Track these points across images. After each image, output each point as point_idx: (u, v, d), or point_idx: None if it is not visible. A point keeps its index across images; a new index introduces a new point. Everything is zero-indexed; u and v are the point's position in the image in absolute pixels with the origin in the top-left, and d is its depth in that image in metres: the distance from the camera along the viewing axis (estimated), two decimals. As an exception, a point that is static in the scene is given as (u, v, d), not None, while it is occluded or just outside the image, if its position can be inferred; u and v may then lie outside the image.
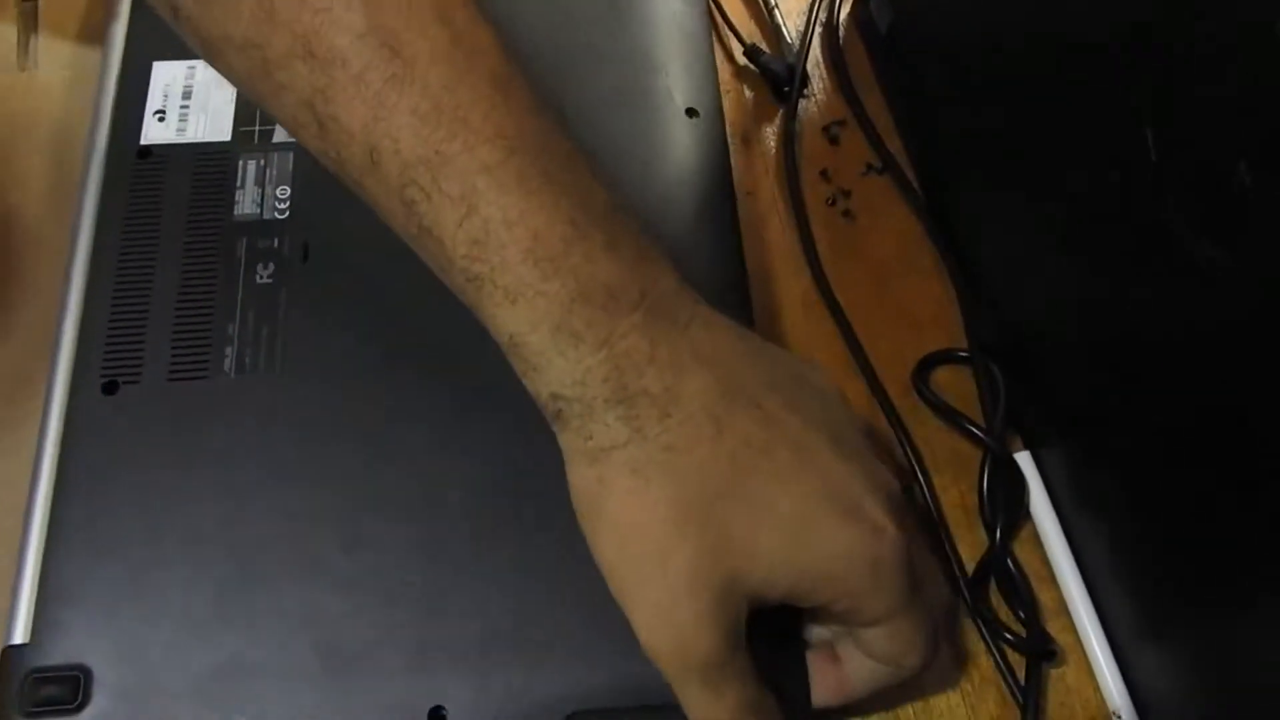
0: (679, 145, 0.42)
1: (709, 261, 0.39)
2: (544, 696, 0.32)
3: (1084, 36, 0.33)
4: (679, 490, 0.28)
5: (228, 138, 0.41)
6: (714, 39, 0.46)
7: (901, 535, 0.29)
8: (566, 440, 0.29)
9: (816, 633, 0.33)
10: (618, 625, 0.29)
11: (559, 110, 0.30)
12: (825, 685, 0.32)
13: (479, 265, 0.28)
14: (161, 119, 0.41)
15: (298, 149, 0.40)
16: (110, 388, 0.35)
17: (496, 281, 0.28)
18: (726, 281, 0.39)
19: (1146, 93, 0.29)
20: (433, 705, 0.31)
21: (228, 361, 0.36)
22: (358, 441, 0.35)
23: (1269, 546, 0.28)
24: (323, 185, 0.40)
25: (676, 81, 0.43)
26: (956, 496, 0.40)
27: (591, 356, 0.28)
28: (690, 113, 0.43)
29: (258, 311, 0.37)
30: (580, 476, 0.29)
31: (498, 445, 0.35)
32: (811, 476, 0.29)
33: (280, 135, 0.41)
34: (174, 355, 0.36)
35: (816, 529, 0.29)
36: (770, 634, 0.31)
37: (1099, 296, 0.34)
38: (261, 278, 0.38)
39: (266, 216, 0.39)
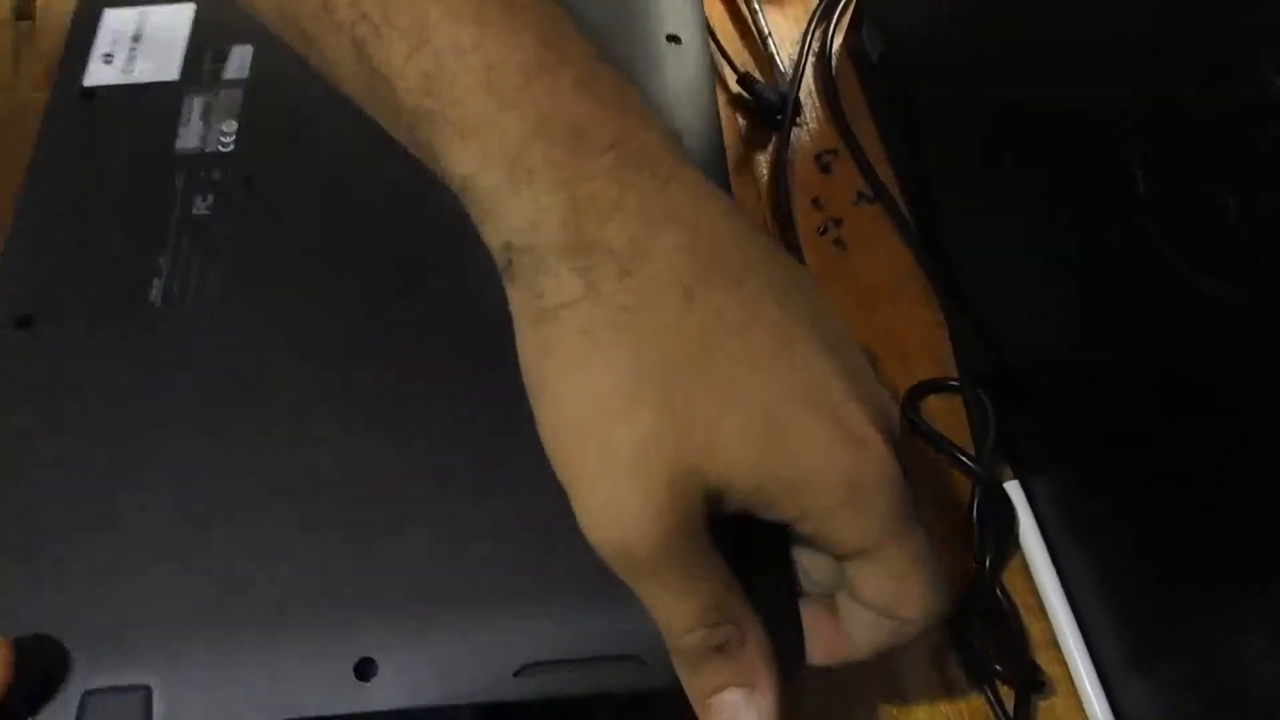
0: (662, 72, 0.40)
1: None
2: (490, 647, 0.29)
3: (1074, 69, 0.33)
4: (632, 357, 0.24)
5: (175, 77, 0.39)
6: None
7: (889, 453, 0.25)
8: (516, 298, 0.26)
9: (813, 581, 0.29)
10: (573, 570, 0.26)
11: None
12: (821, 641, 0.29)
13: (430, 101, 0.25)
14: (109, 61, 0.40)
15: (248, 85, 0.39)
16: (24, 321, 0.34)
17: (448, 116, 0.25)
18: None
19: (1135, 124, 0.29)
20: (361, 657, 0.28)
21: (154, 292, 0.34)
22: (294, 376, 0.33)
23: (1259, 578, 0.28)
24: (272, 120, 0.38)
25: (656, 8, 0.42)
26: (946, 526, 0.40)
27: (548, 196, 0.25)
28: (672, 39, 0.41)
29: (192, 243, 0.35)
30: (527, 342, 0.26)
31: (444, 384, 0.32)
32: (790, 367, 0.25)
33: (231, 72, 0.39)
34: (97, 287, 0.34)
35: (789, 426, 0.25)
36: (759, 579, 0.27)
37: (1090, 326, 0.34)
38: (199, 209, 0.36)
39: (209, 150, 0.37)
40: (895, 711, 0.36)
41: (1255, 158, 0.25)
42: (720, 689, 0.27)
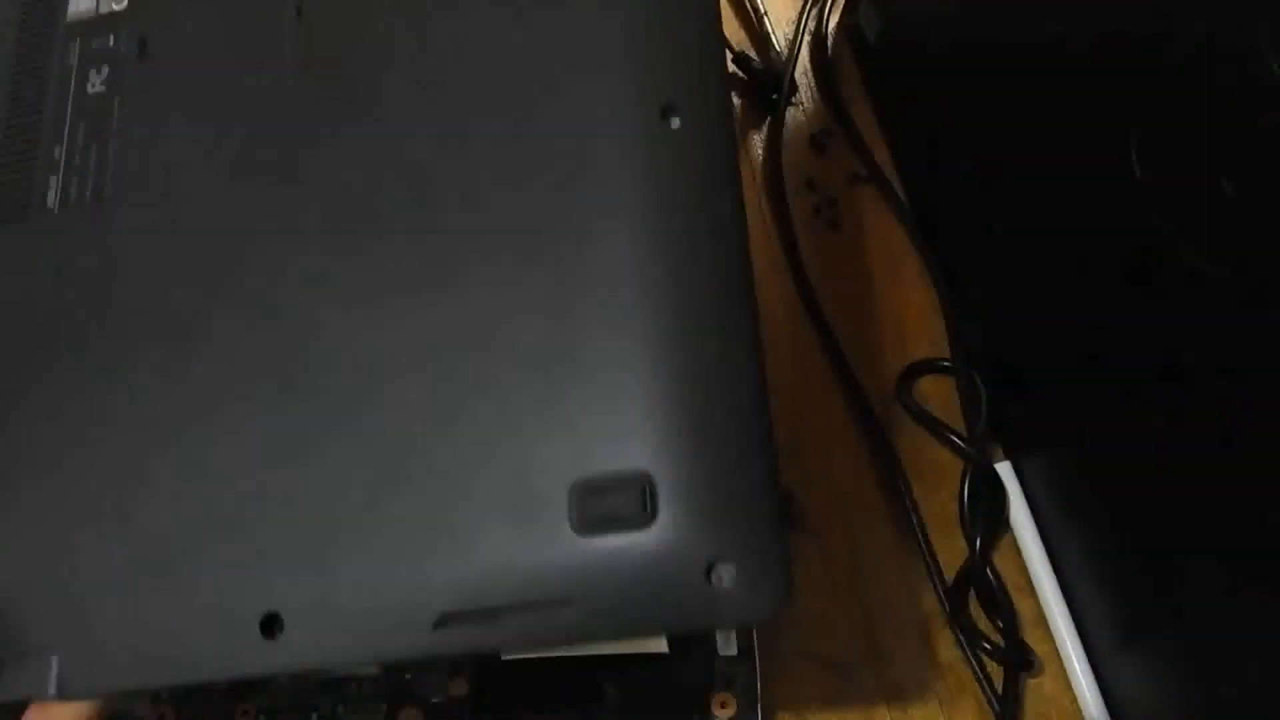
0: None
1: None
2: (406, 595, 0.26)
3: (1071, 50, 0.33)
4: None
5: None
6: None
7: None
8: None
9: None
10: (496, 508, 0.25)
11: None
12: None
13: None
14: None
15: None
16: None
17: None
18: None
19: (1131, 106, 0.29)
20: (266, 612, 0.26)
21: (52, 195, 0.30)
22: (212, 288, 0.29)
23: (1245, 557, 0.28)
24: None
25: None
26: (937, 506, 0.40)
27: None
28: None
29: (87, 129, 0.31)
30: None
31: (387, 291, 0.28)
32: None
33: None
34: None
35: None
36: None
37: (1083, 307, 0.35)
38: (94, 85, 0.31)
39: (103, 9, 0.33)
40: (884, 689, 0.37)
41: (1252, 140, 0.25)
42: None
